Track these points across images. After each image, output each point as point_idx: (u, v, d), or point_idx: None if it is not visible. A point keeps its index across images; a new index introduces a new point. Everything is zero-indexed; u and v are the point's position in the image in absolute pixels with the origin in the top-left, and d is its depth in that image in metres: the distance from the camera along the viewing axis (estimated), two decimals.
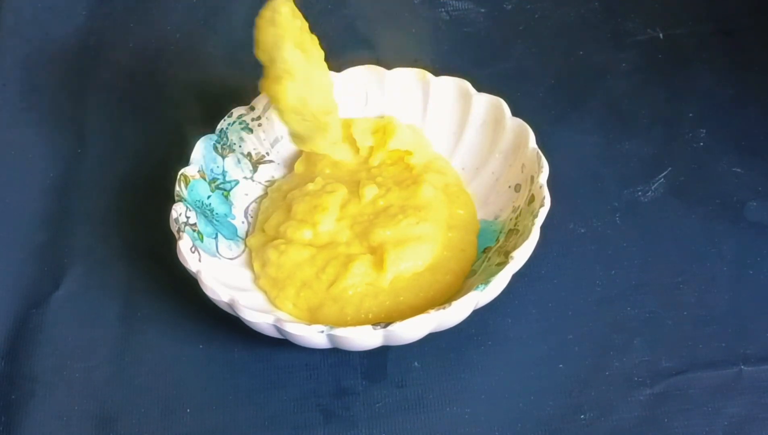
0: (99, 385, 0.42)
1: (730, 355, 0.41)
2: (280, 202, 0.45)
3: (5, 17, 0.57)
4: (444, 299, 0.40)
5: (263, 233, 0.44)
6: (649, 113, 0.50)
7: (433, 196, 0.44)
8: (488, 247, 0.43)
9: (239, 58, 0.54)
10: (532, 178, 0.42)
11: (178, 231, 0.41)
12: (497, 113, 0.45)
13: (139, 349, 0.43)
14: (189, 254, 0.40)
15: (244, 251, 0.44)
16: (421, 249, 0.42)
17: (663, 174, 0.47)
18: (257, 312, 0.38)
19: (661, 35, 0.53)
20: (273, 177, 0.47)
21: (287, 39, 0.40)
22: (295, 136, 0.45)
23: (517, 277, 0.40)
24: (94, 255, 0.46)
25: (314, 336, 0.37)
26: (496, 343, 0.42)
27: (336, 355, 0.41)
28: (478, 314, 0.40)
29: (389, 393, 0.41)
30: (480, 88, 0.46)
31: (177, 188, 0.43)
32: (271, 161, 0.47)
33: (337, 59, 0.49)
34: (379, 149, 0.46)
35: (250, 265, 0.44)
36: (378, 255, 0.41)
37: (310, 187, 0.44)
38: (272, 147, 0.47)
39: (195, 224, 0.42)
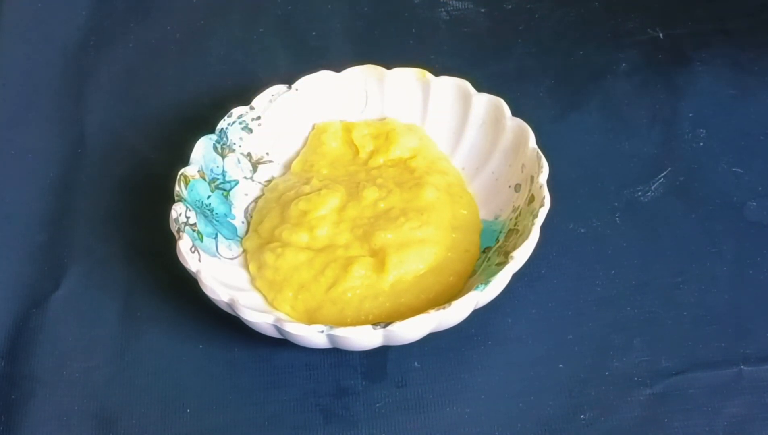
0: (99, 385, 0.42)
1: (730, 355, 0.41)
2: (275, 203, 0.45)
3: (5, 17, 0.56)
4: (445, 300, 0.40)
5: (257, 235, 0.44)
6: (649, 113, 0.50)
7: (436, 198, 0.43)
8: (488, 247, 0.43)
9: (239, 58, 0.54)
10: (532, 178, 0.42)
11: (178, 231, 0.41)
12: (497, 113, 0.45)
13: (139, 349, 0.43)
14: (189, 254, 0.40)
15: (243, 251, 0.44)
16: (423, 252, 0.41)
17: (663, 174, 0.47)
18: (257, 312, 0.38)
19: (661, 35, 0.53)
20: (273, 177, 0.47)
21: None
22: None
23: (517, 277, 0.40)
24: (94, 255, 0.46)
25: (314, 336, 0.37)
26: (496, 343, 0.42)
27: (336, 355, 0.41)
28: (478, 314, 0.40)
29: (389, 393, 0.41)
30: (480, 88, 0.46)
31: (177, 188, 0.43)
32: (270, 161, 0.47)
33: (337, 59, 0.49)
34: (379, 154, 0.46)
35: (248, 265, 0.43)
36: (379, 258, 0.41)
37: (307, 189, 0.44)
38: (272, 147, 0.47)
39: (195, 224, 0.42)
